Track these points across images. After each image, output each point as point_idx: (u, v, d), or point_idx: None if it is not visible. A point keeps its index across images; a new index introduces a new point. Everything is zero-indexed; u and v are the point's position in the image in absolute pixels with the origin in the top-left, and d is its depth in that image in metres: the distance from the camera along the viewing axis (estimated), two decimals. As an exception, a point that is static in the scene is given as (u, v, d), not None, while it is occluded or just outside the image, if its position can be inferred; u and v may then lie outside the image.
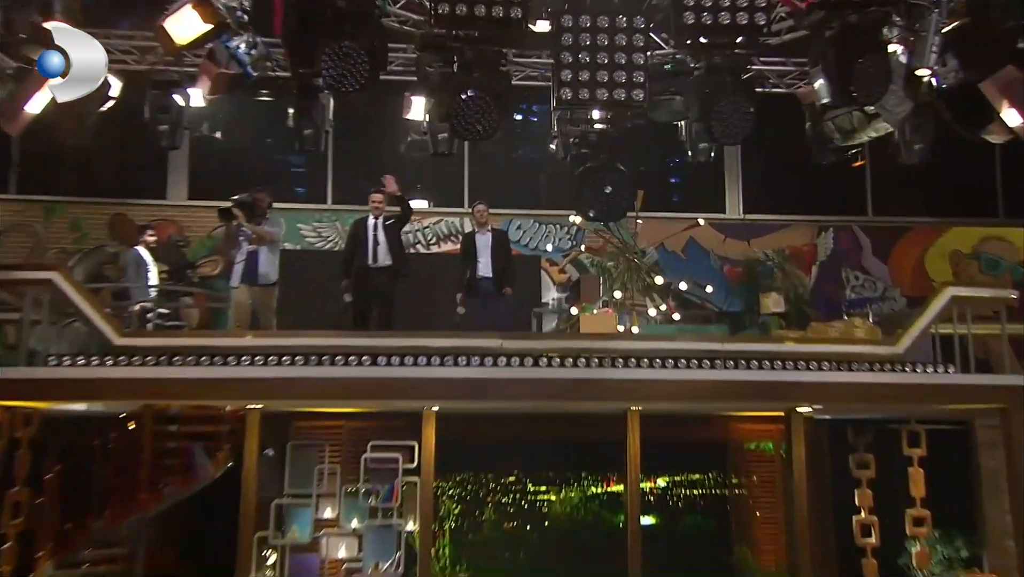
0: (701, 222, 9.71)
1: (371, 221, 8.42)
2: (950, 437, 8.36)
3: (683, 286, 10.37)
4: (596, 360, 7.05)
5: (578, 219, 9.30)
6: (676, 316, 9.20)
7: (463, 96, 6.12)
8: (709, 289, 10.83)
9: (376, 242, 8.30)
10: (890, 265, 12.30)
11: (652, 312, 8.91)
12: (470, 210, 9.06)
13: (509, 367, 6.87)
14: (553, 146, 12.53)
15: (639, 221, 9.40)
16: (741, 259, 11.62)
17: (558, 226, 12.18)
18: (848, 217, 12.48)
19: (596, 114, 7.29)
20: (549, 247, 11.76)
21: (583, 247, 11.76)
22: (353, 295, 8.28)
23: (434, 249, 12.01)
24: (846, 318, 9.16)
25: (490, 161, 12.36)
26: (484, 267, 8.61)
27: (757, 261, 11.33)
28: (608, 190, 6.51)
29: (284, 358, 6.73)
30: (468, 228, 11.68)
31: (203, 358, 6.75)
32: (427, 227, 12.08)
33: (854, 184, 12.36)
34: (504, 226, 11.15)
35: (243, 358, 6.75)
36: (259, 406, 7.14)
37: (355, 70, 5.92)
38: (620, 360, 7.05)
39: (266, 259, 7.89)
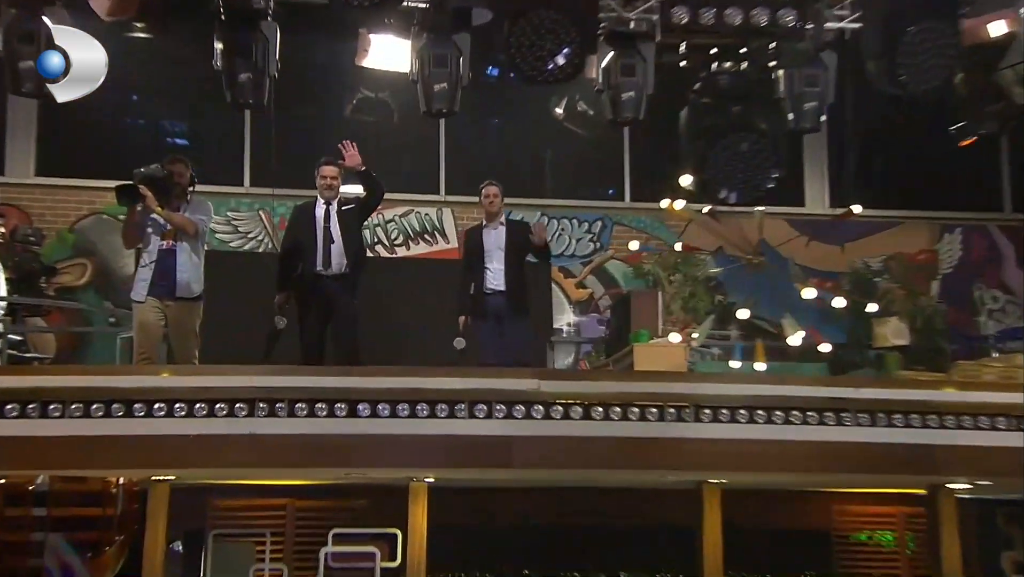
0: (857, 209, 9.43)
1: (320, 208, 8.20)
2: None
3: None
4: (672, 410, 6.82)
5: (679, 204, 9.00)
6: (826, 347, 8.94)
7: (531, 17, 5.77)
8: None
9: (330, 238, 8.09)
10: (1041, 281, 12.38)
11: (795, 340, 8.63)
12: (478, 197, 8.85)
13: (549, 420, 6.65)
14: (560, 109, 12.51)
15: (764, 212, 9.09)
16: (840, 270, 11.51)
17: (575, 222, 12.13)
18: (981, 214, 12.47)
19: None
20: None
21: (610, 251, 11.73)
22: (300, 314, 8.02)
23: (400, 252, 11.94)
24: (996, 355, 9.00)
25: (472, 132, 12.40)
26: (495, 277, 8.43)
27: (863, 275, 11.07)
28: (744, 147, 6.14)
29: (219, 406, 6.42)
30: (449, 220, 11.72)
31: (95, 406, 6.38)
32: (391, 221, 11.99)
33: (987, 169, 12.28)
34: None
35: (156, 406, 6.40)
36: (169, 477, 6.83)
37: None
38: (707, 411, 6.84)
39: (187, 261, 7.53)
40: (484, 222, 8.70)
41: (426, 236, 11.96)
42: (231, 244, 11.62)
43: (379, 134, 12.06)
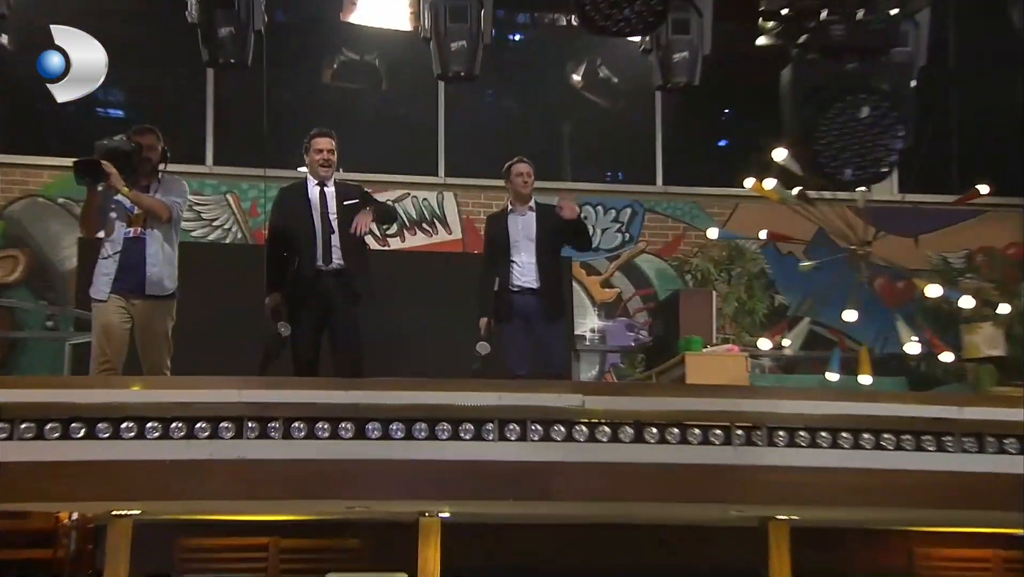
0: (983, 190, 9.33)
1: (314, 190, 8.12)
2: None
3: None
4: (740, 433, 6.68)
5: (769, 183, 8.89)
6: (947, 356, 8.91)
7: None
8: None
9: (329, 227, 8.04)
10: None
11: (912, 348, 8.53)
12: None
13: (595, 443, 6.54)
14: (578, 76, 12.46)
15: (867, 193, 8.95)
16: (915, 267, 11.39)
17: (600, 209, 12.13)
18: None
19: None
20: None
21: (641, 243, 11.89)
22: (292, 317, 7.96)
23: (395, 243, 11.95)
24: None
25: (476, 104, 12.61)
26: (524, 271, 8.44)
27: (945, 272, 11.09)
28: (863, 113, 5.98)
29: (200, 426, 6.30)
30: (451, 206, 11.62)
31: (50, 426, 6.25)
32: (385, 207, 12.00)
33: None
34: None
35: (124, 426, 6.27)
36: (133, 512, 6.79)
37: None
38: (782, 433, 6.71)
39: (158, 252, 7.48)
40: (510, 207, 8.67)
41: (424, 225, 12.00)
42: (193, 233, 11.58)
43: (365, 104, 12.07)
